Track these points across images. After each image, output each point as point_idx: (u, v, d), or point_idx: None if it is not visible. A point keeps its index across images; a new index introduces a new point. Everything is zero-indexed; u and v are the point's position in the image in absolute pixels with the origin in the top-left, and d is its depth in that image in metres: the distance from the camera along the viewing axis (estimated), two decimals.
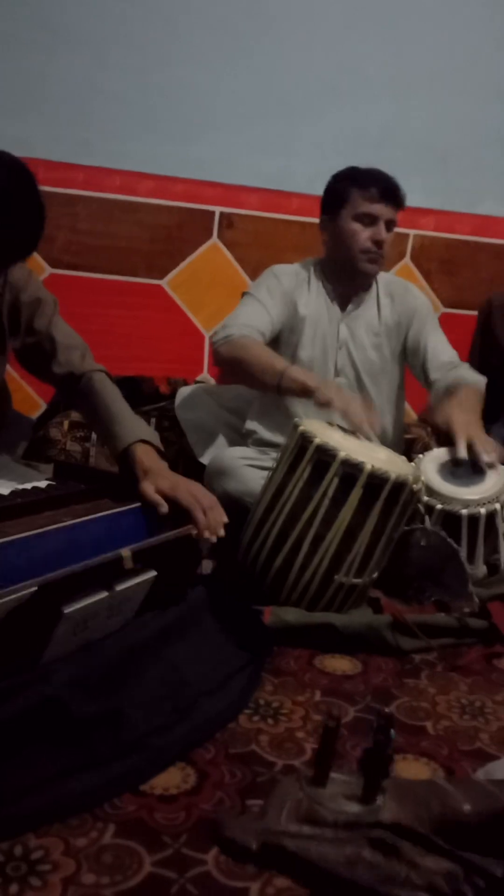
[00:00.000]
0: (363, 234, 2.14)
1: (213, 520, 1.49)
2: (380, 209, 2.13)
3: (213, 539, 1.49)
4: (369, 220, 2.13)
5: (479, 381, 2.19)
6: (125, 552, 1.27)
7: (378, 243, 2.14)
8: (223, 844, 0.53)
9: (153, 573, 1.35)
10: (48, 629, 1.16)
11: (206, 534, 1.47)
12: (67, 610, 1.16)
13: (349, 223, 2.15)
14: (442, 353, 2.24)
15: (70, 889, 0.88)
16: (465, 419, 1.98)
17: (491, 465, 1.91)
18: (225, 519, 1.51)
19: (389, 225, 2.16)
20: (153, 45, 2.78)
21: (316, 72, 2.90)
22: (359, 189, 2.14)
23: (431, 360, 2.23)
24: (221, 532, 1.50)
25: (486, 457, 1.90)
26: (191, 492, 1.51)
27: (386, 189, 2.14)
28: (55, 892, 0.88)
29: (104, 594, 1.24)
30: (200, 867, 0.93)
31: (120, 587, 1.27)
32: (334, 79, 2.91)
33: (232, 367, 2.08)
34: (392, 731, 0.60)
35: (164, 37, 2.79)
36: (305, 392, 1.93)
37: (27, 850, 0.94)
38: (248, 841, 0.53)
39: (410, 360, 2.30)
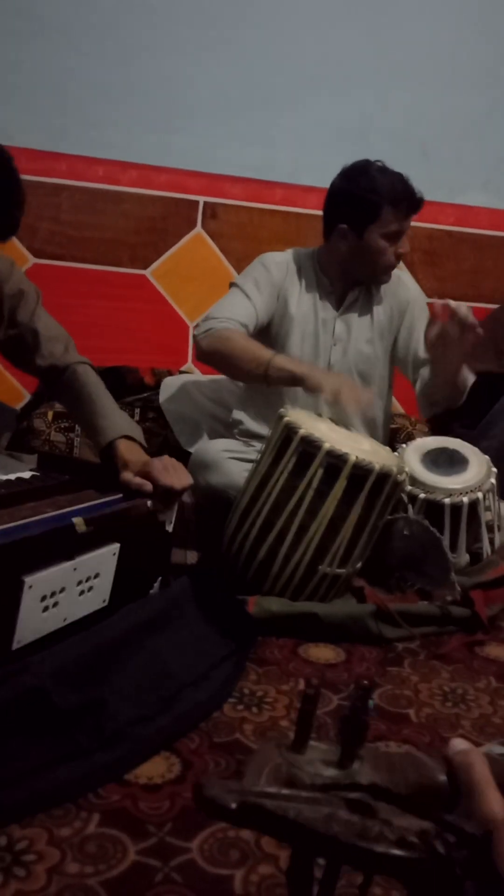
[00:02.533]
0: (390, 251, 2.09)
1: (176, 481, 1.53)
2: (406, 225, 2.09)
3: (173, 510, 1.54)
4: (398, 236, 2.09)
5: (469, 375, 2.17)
6: (76, 519, 1.30)
7: (399, 257, 2.12)
8: (203, 804, 0.54)
9: (116, 546, 1.38)
10: (13, 602, 1.17)
11: (168, 479, 1.51)
12: (28, 579, 1.18)
13: (378, 241, 2.07)
14: None
15: (54, 878, 0.89)
16: None
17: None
18: (188, 480, 1.57)
19: (407, 235, 2.13)
20: (132, 33, 2.76)
21: (298, 62, 2.89)
22: (390, 206, 2.04)
23: (420, 359, 2.19)
24: (180, 484, 1.53)
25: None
26: (164, 465, 1.55)
27: (414, 204, 2.08)
28: (40, 882, 0.88)
29: (65, 563, 1.27)
30: (185, 855, 0.94)
31: (81, 557, 1.30)
32: (316, 69, 2.90)
33: (214, 359, 2.05)
34: (371, 700, 0.61)
35: (143, 25, 2.77)
36: (294, 381, 1.92)
37: (11, 841, 0.94)
38: (226, 800, 0.54)
39: (400, 358, 2.26)
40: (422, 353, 2.20)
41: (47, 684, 1.10)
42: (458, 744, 0.56)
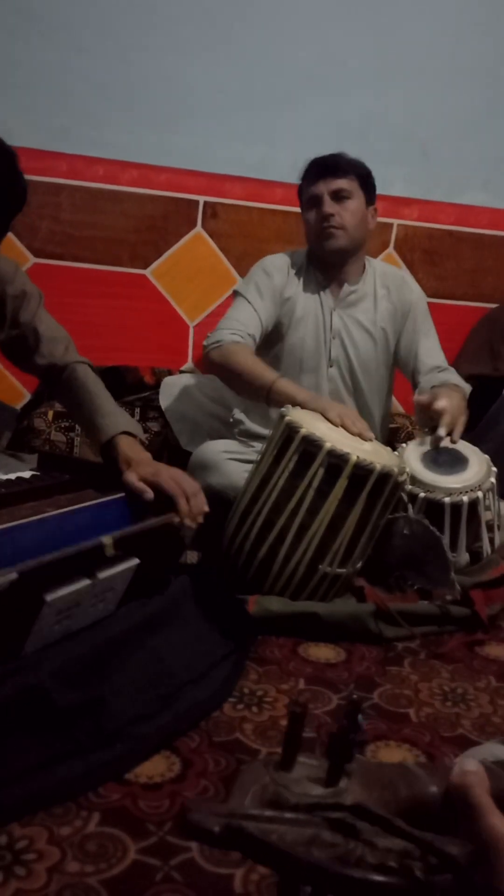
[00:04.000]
0: (313, 218, 2.17)
1: (194, 507, 1.49)
2: (319, 187, 2.15)
3: (194, 526, 1.50)
4: (315, 202, 2.16)
5: (465, 386, 2.19)
6: (106, 539, 1.27)
7: (325, 218, 2.14)
8: (187, 829, 0.54)
9: (136, 561, 1.36)
10: (30, 617, 1.16)
11: (187, 521, 1.47)
12: (49, 597, 1.16)
13: (305, 215, 2.20)
14: (432, 359, 2.23)
15: (55, 877, 0.89)
16: (452, 406, 2.00)
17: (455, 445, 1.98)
18: (206, 508, 1.51)
19: (338, 195, 2.14)
20: (132, 32, 2.76)
21: (298, 61, 2.89)
22: (304, 180, 2.21)
23: (421, 365, 2.23)
24: (200, 519, 1.50)
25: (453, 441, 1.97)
26: (174, 478, 1.51)
27: (319, 166, 2.16)
28: (40, 881, 0.88)
29: (86, 582, 1.24)
30: (185, 854, 0.94)
31: (102, 575, 1.27)
32: (316, 68, 2.90)
33: (221, 373, 2.10)
34: (360, 716, 0.60)
35: (143, 24, 2.77)
36: (294, 406, 1.93)
37: (12, 840, 0.94)
38: (210, 824, 0.53)
39: (401, 360, 2.28)
40: (422, 361, 2.22)
41: (47, 683, 1.10)
42: (467, 764, 0.55)
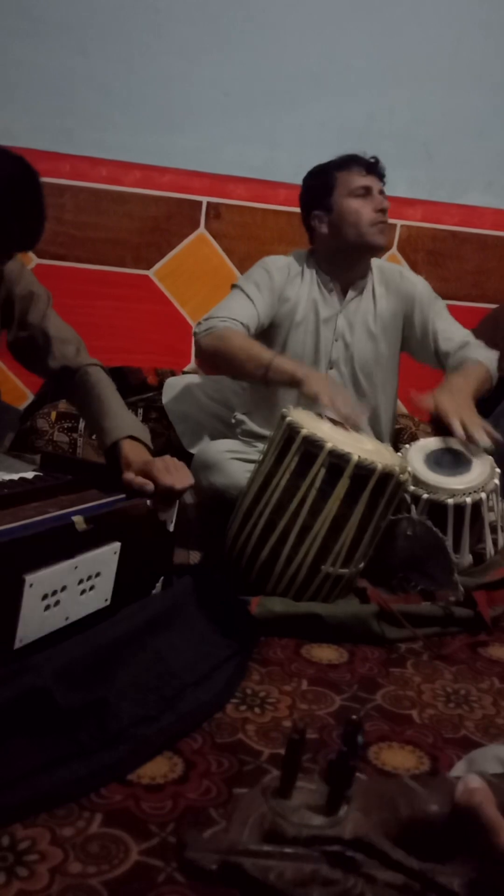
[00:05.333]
0: (366, 208, 2.10)
1: (176, 481, 1.52)
2: (371, 181, 2.13)
3: (173, 509, 1.54)
4: (365, 192, 2.12)
5: (486, 357, 2.15)
6: (76, 517, 1.31)
7: (383, 211, 2.12)
8: (185, 866, 0.53)
9: (117, 544, 1.38)
10: (14, 600, 1.18)
11: (169, 479, 1.50)
12: (29, 577, 1.19)
13: (348, 203, 2.11)
14: (454, 335, 2.20)
15: (57, 878, 0.89)
16: (454, 404, 1.96)
17: (486, 449, 1.92)
18: (186, 482, 1.55)
19: (383, 195, 2.15)
20: (135, 33, 2.77)
21: (301, 62, 2.89)
22: (342, 171, 2.14)
23: (443, 344, 2.19)
24: (181, 485, 1.52)
25: (480, 441, 1.90)
26: (166, 467, 1.54)
27: (368, 164, 2.15)
28: (42, 882, 0.88)
29: (65, 562, 1.27)
30: None
31: (82, 556, 1.30)
32: (319, 69, 2.90)
33: (214, 358, 2.05)
34: (360, 737, 0.60)
35: (146, 25, 2.77)
36: (293, 383, 1.92)
37: (14, 841, 0.94)
38: (207, 862, 0.53)
39: (419, 348, 2.25)
40: (442, 345, 2.19)
41: (50, 684, 1.10)
42: (470, 781, 0.55)
